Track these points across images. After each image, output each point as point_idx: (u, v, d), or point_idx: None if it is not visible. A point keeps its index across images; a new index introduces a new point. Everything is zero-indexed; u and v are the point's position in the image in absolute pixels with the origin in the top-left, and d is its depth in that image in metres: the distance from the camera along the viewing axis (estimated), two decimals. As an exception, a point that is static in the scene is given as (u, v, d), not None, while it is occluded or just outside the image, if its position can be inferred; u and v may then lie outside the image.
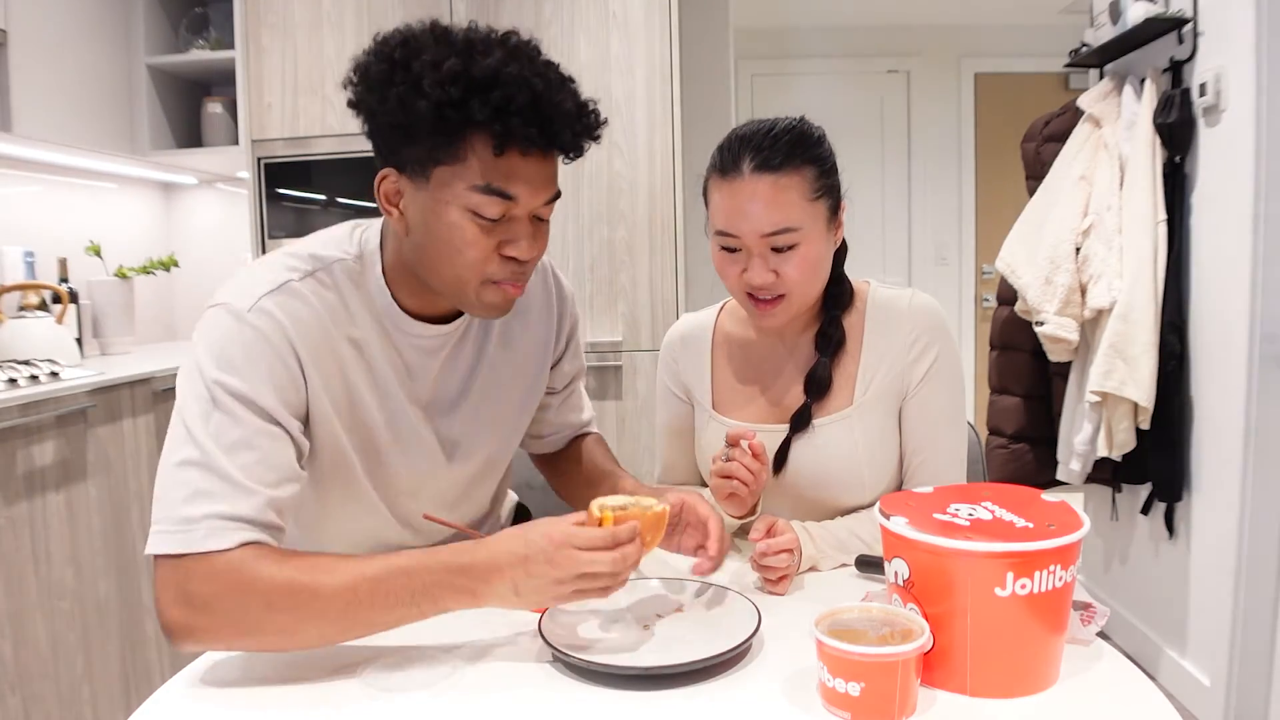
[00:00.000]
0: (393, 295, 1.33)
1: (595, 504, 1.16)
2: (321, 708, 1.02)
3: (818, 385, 1.58)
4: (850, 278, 1.64)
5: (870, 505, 1.53)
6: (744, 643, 1.11)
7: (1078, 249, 3.16)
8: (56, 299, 3.33)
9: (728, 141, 1.51)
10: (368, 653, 1.14)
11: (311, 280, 1.27)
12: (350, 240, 1.35)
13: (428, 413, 1.43)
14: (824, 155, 1.51)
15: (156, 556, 1.10)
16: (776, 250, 1.46)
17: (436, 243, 1.23)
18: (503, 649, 1.16)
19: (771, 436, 1.57)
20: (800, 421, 1.58)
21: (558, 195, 1.28)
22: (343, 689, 1.06)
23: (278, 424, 1.19)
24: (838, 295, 1.61)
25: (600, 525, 1.13)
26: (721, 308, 1.75)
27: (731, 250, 1.49)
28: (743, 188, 1.45)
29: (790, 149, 1.46)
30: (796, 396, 1.60)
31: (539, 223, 1.28)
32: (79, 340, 3.40)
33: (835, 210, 1.53)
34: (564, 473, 1.73)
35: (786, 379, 1.63)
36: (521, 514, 1.87)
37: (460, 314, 1.41)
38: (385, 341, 1.35)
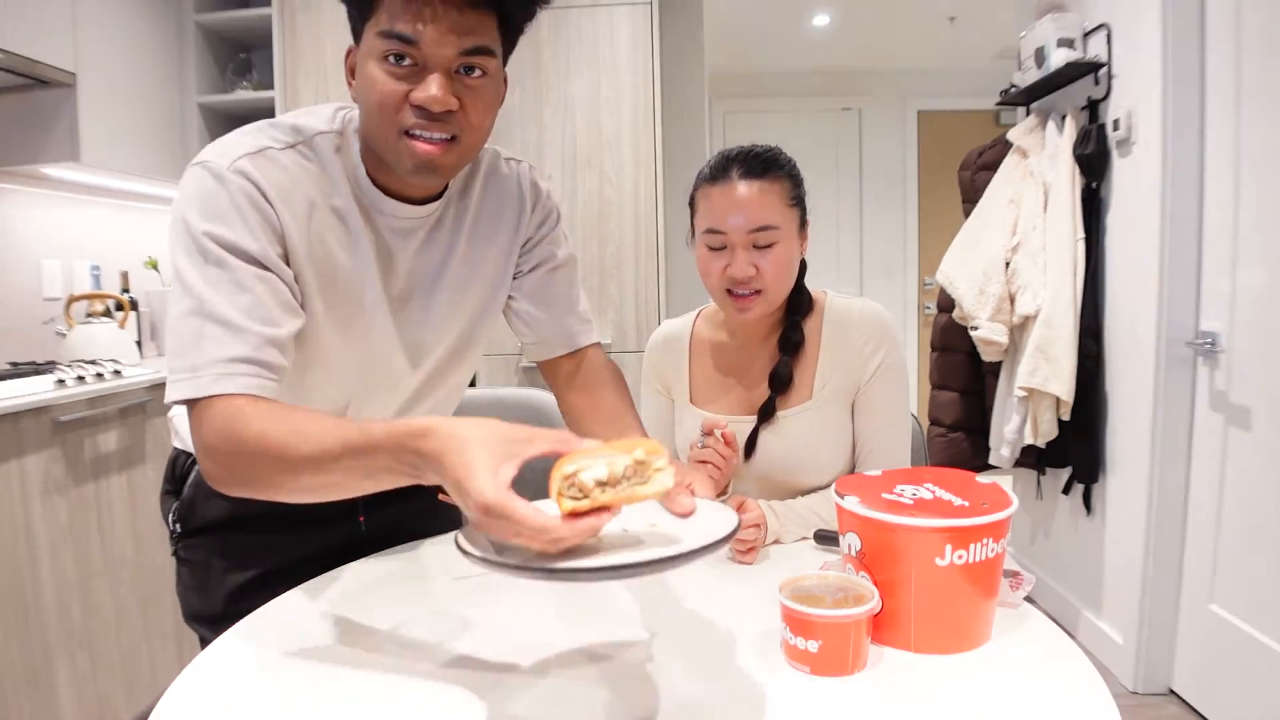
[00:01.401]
0: (369, 174, 1.21)
1: (560, 473, 0.82)
2: (350, 675, 1.01)
3: (780, 381, 1.58)
4: (809, 288, 1.65)
5: (827, 486, 1.53)
6: (727, 537, 0.84)
7: (1007, 263, 3.17)
8: (119, 307, 3.32)
9: (716, 158, 1.54)
10: (386, 627, 1.13)
11: (292, 152, 1.15)
12: (334, 118, 1.21)
13: (398, 302, 1.29)
14: (796, 174, 1.55)
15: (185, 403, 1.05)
16: (758, 246, 1.48)
17: (364, 98, 1.11)
18: (512, 621, 1.15)
19: (742, 426, 1.57)
20: (766, 413, 1.58)
21: (481, 50, 1.09)
22: (369, 660, 1.05)
23: (268, 269, 1.09)
24: (799, 303, 1.61)
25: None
26: (697, 314, 1.75)
27: (718, 248, 1.51)
28: (732, 190, 1.48)
29: (770, 163, 1.51)
30: (763, 392, 1.60)
31: (464, 79, 1.10)
32: (138, 343, 3.39)
33: (803, 224, 1.56)
34: (574, 404, 1.45)
35: (754, 376, 1.63)
36: None
37: (437, 198, 1.27)
38: (365, 219, 1.21)
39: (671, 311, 3.72)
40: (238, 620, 1.15)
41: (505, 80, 1.19)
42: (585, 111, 3.72)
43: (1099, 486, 3.14)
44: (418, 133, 1.09)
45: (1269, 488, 2.35)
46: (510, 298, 1.44)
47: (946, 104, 6.29)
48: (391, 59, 1.06)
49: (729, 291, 1.51)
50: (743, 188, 1.48)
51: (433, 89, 1.06)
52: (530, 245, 1.41)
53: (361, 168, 1.20)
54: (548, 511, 0.79)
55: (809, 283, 1.64)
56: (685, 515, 0.90)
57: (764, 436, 1.58)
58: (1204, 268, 2.65)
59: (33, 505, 2.30)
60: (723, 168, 1.51)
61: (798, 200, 1.53)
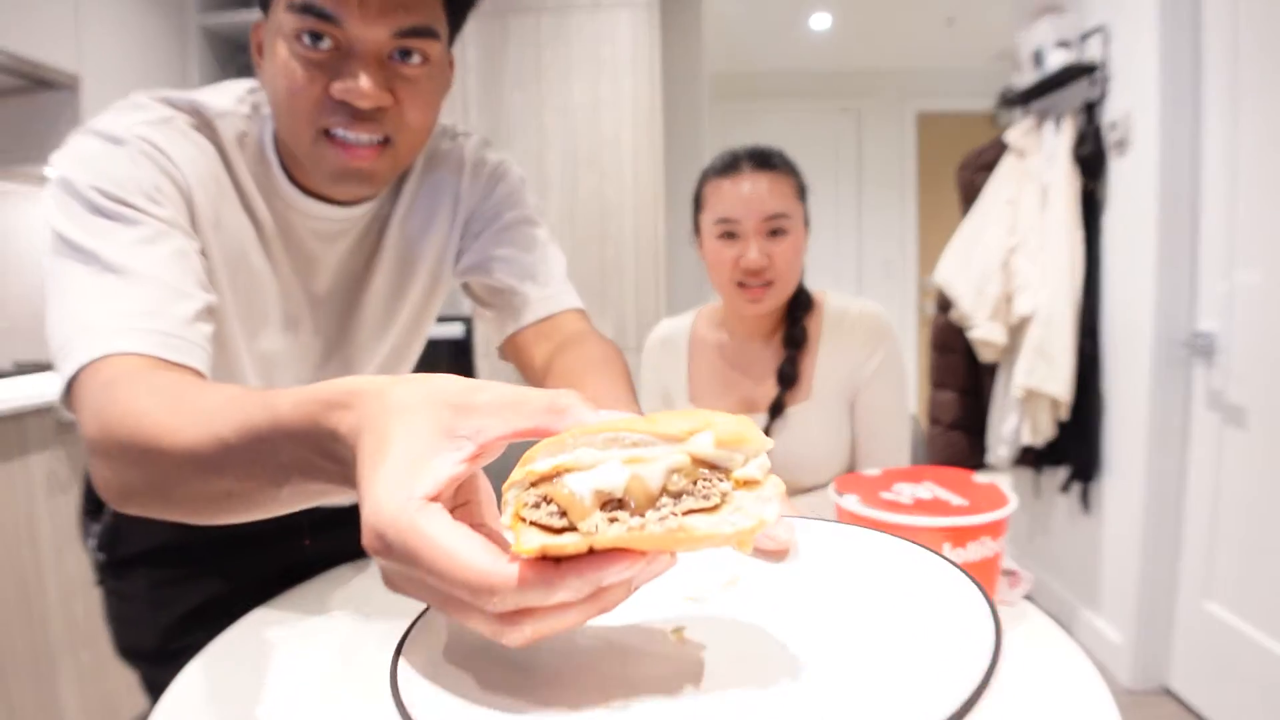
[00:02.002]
0: (284, 166, 0.97)
1: (524, 472, 0.45)
2: (349, 662, 1.01)
3: (787, 377, 1.58)
4: (809, 289, 1.65)
5: (826, 486, 1.54)
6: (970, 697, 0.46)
7: (1005, 264, 3.17)
8: (121, 307, 3.31)
9: (725, 154, 1.57)
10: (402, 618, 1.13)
11: (196, 133, 0.91)
12: (243, 99, 0.96)
13: (320, 313, 1.07)
14: (800, 174, 1.59)
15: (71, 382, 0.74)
16: (771, 234, 1.51)
17: (272, 86, 0.88)
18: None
19: (743, 426, 1.58)
20: (776, 409, 1.59)
21: (421, 30, 0.86)
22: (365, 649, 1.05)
23: (176, 230, 0.84)
24: (799, 302, 1.61)
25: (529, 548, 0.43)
26: (696, 314, 1.75)
27: (730, 236, 1.52)
28: (745, 180, 1.51)
29: (778, 158, 1.55)
30: (765, 391, 1.60)
31: (399, 66, 0.87)
32: (141, 343, 3.36)
33: (807, 222, 1.59)
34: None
35: (756, 375, 1.63)
36: None
37: (367, 200, 1.04)
38: (279, 222, 0.99)
39: (672, 311, 3.72)
40: (178, 657, 0.96)
41: (451, 65, 0.98)
42: (586, 112, 3.72)
43: (1096, 485, 3.14)
44: (340, 133, 0.87)
45: (1265, 486, 2.35)
46: (465, 285, 1.18)
47: (946, 105, 6.29)
48: (306, 38, 0.83)
49: (740, 284, 1.53)
50: (755, 178, 1.51)
51: (359, 81, 0.84)
52: (474, 217, 1.15)
53: (275, 161, 0.98)
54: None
55: (808, 281, 1.65)
56: (779, 556, 0.56)
57: (773, 434, 1.58)
58: (1200, 268, 2.65)
59: (37, 504, 2.30)
60: (732, 162, 1.53)
61: (803, 196, 1.56)
